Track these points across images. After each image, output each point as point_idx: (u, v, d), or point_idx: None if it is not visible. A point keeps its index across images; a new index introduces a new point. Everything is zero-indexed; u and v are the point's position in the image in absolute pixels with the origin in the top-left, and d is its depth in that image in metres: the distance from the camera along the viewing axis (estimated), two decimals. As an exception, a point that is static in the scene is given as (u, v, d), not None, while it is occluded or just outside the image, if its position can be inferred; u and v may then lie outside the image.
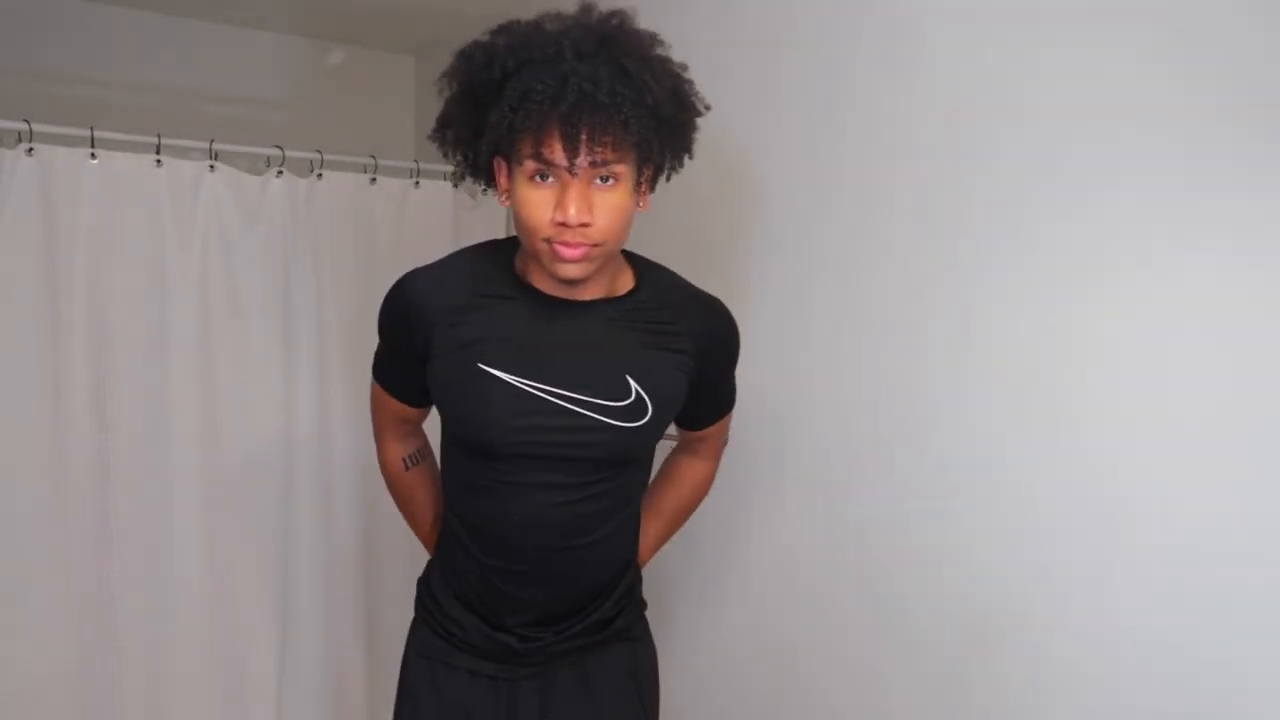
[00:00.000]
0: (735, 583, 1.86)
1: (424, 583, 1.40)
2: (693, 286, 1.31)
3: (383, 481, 1.46)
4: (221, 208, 2.00)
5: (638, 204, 1.14)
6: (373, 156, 2.22)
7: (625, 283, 1.24)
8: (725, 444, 1.51)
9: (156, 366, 1.95)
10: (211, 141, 1.97)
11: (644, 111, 1.06)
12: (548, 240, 1.09)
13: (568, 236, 1.08)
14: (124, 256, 1.89)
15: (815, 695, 1.71)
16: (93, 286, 1.86)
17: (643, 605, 1.45)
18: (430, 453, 1.46)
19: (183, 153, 1.97)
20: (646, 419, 1.20)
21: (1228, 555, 1.16)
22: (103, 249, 1.86)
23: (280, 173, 2.09)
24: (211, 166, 1.98)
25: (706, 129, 1.22)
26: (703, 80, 1.19)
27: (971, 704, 1.46)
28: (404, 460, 1.41)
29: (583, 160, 1.05)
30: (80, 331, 1.85)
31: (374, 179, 2.23)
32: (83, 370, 1.85)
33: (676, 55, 1.16)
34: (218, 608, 2.05)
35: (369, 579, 2.31)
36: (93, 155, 1.84)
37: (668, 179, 1.21)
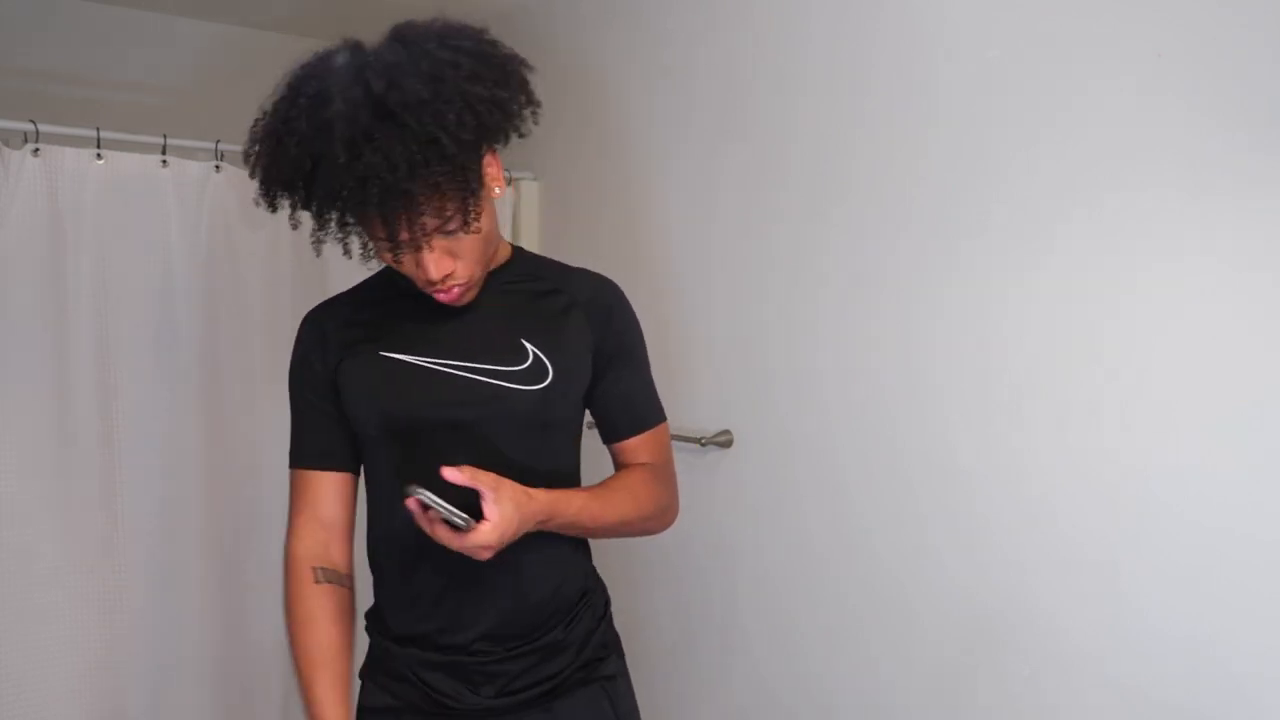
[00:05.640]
0: (744, 580, 1.86)
1: (371, 628, 1.33)
2: (566, 264, 1.31)
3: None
4: (228, 208, 2.00)
5: (493, 194, 1.14)
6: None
7: (504, 253, 1.26)
8: (673, 482, 1.33)
9: (163, 368, 1.94)
10: (218, 142, 1.97)
11: (453, 154, 1.01)
12: (424, 286, 1.13)
13: (439, 287, 1.12)
14: (130, 257, 1.88)
15: (823, 691, 1.71)
16: (99, 288, 1.85)
17: (616, 644, 1.34)
18: (350, 589, 1.26)
19: (189, 153, 1.96)
20: (548, 381, 1.19)
21: (1237, 551, 1.16)
22: (109, 250, 1.86)
23: (286, 173, 2.08)
24: (217, 167, 1.97)
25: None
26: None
27: (978, 703, 1.45)
28: (315, 570, 1.22)
29: (413, 238, 1.05)
30: (86, 333, 1.84)
31: (380, 179, 2.22)
32: (89, 372, 1.84)
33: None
34: (223, 616, 2.04)
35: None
36: (99, 156, 1.83)
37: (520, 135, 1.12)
